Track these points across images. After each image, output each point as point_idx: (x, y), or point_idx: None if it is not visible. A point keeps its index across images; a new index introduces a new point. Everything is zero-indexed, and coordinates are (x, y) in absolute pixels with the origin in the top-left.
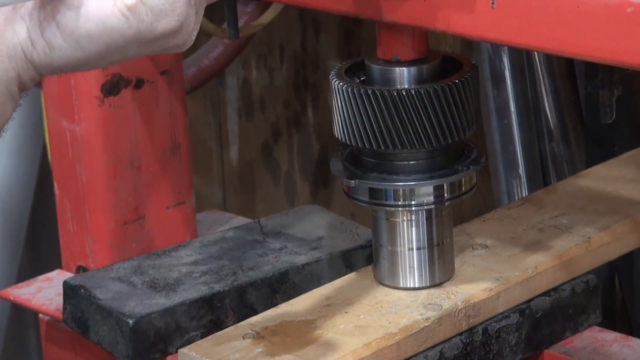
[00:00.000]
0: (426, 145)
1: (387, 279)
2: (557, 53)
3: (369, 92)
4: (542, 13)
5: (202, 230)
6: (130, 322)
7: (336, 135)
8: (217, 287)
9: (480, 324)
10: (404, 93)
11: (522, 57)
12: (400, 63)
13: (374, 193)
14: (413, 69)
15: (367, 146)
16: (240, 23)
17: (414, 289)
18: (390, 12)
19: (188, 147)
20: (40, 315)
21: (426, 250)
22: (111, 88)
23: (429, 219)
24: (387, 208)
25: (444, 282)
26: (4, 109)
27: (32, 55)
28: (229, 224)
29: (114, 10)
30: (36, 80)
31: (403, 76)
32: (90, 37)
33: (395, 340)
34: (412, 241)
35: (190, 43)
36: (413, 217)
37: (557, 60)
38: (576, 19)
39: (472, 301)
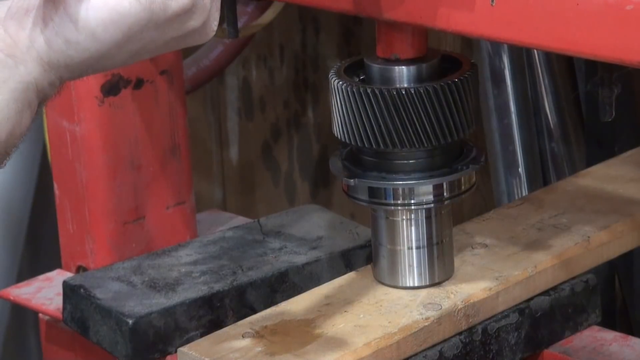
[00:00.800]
0: (425, 144)
1: (387, 278)
2: (557, 51)
3: (368, 91)
4: (542, 11)
5: (202, 230)
6: (130, 322)
7: (335, 135)
8: (217, 287)
9: (480, 323)
10: (404, 92)
11: (522, 57)
12: (399, 62)
13: (373, 192)
14: (412, 68)
15: (366, 145)
16: (240, 23)
17: (414, 288)
18: (390, 10)
19: (188, 147)
20: (40, 315)
21: (426, 249)
22: (111, 88)
23: (428, 218)
24: (387, 207)
25: (444, 281)
26: (21, 117)
27: (49, 56)
28: (228, 224)
29: None
30: (56, 86)
31: (402, 75)
32: (104, 26)
33: (395, 340)
34: (411, 240)
35: (210, 32)
36: (412, 216)
37: (557, 59)
38: (576, 17)
39: (471, 301)
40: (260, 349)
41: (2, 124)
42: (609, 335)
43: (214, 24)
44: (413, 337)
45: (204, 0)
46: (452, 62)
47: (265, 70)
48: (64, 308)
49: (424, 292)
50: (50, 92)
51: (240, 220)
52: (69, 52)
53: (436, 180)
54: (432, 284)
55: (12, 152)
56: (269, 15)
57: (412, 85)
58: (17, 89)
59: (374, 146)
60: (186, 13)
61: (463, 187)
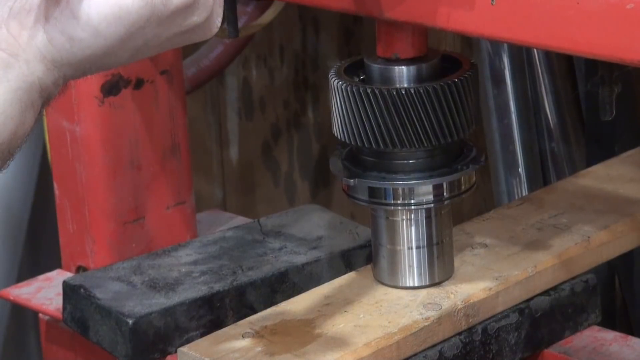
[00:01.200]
0: (426, 144)
1: (387, 278)
2: (557, 50)
3: (368, 91)
4: (542, 10)
5: (202, 230)
6: (130, 321)
7: (335, 134)
8: (217, 287)
9: (480, 323)
10: (404, 92)
11: (522, 57)
12: (399, 62)
13: (373, 192)
14: (412, 68)
15: (366, 145)
16: (240, 23)
17: (414, 288)
18: (390, 9)
19: (188, 147)
20: (40, 315)
21: (425, 249)
22: (111, 88)
23: (428, 217)
24: (387, 207)
25: (444, 281)
26: (24, 117)
27: (52, 55)
28: (229, 224)
29: None
30: (60, 85)
31: (402, 75)
32: (107, 22)
33: (395, 340)
34: (411, 240)
35: (214, 29)
36: (412, 216)
37: (557, 59)
38: (576, 16)
39: (471, 300)
40: (260, 349)
41: (6, 124)
42: (609, 335)
43: (218, 20)
44: (413, 337)
45: None
46: (452, 62)
47: (265, 70)
48: (64, 308)
49: (424, 292)
50: (54, 91)
51: (240, 220)
52: (72, 50)
53: (436, 180)
54: (432, 284)
55: (15, 153)
56: (269, 15)
57: (412, 85)
58: (21, 89)
59: (374, 146)
60: (188, 8)
61: (463, 187)
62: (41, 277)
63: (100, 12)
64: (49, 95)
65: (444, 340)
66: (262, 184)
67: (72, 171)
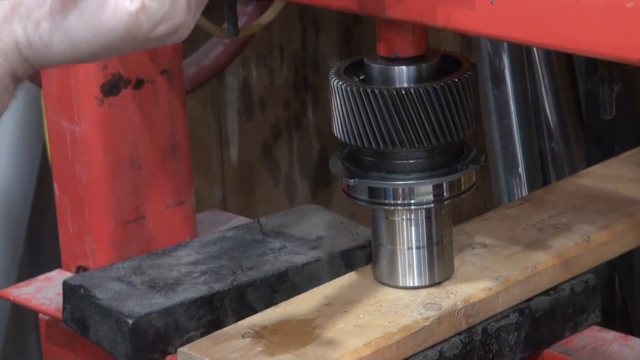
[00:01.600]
0: (426, 144)
1: (387, 278)
2: (557, 49)
3: (368, 91)
4: (542, 8)
5: (202, 230)
6: (130, 321)
7: (335, 135)
8: (217, 287)
9: (480, 323)
10: (404, 92)
11: (522, 57)
12: (399, 61)
13: (373, 192)
14: (412, 68)
15: (366, 145)
16: (240, 23)
17: (414, 288)
18: (390, 8)
19: (188, 147)
20: (40, 315)
21: (425, 249)
22: (111, 88)
23: (428, 217)
24: (387, 207)
25: (444, 281)
26: (0, 101)
27: (28, 53)
28: (229, 224)
29: (115, 16)
30: (30, 73)
31: (402, 75)
32: (88, 41)
33: (395, 340)
34: (411, 240)
35: (183, 38)
36: (412, 216)
37: (556, 58)
38: (576, 14)
39: (471, 300)
40: (260, 349)
41: None
42: (609, 335)
43: (188, 31)
44: (413, 337)
45: (186, 23)
46: (452, 62)
47: (265, 70)
48: (64, 308)
49: (424, 292)
50: (24, 77)
51: (240, 220)
52: (47, 55)
53: (436, 180)
54: (432, 284)
55: None
56: (269, 15)
57: (412, 85)
58: None
59: (374, 146)
60: (167, 36)
61: (463, 187)
62: (41, 277)
63: (83, 32)
64: (20, 81)
65: (444, 340)
66: (262, 184)
67: (72, 171)
